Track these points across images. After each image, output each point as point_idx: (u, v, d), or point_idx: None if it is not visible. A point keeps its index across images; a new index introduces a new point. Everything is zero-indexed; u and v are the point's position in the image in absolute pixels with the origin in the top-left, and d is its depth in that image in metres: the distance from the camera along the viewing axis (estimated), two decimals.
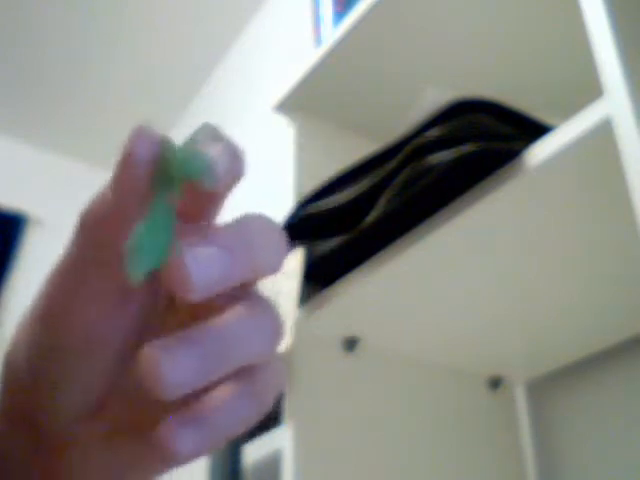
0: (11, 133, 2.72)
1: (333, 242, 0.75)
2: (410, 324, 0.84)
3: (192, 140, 0.21)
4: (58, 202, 2.73)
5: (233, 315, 0.21)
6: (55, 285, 0.23)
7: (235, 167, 0.21)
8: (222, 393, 0.22)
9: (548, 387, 0.96)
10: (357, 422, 0.83)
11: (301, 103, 0.99)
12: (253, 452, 1.44)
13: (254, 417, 0.22)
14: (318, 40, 1.05)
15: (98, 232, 0.22)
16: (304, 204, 0.80)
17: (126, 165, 0.20)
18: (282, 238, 0.22)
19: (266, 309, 0.22)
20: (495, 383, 0.97)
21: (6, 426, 0.25)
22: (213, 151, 0.20)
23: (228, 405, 0.22)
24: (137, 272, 0.19)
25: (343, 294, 0.76)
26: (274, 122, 1.89)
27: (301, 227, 0.79)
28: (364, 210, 0.73)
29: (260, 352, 0.22)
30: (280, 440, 0.81)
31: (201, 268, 0.20)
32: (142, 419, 0.25)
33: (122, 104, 2.58)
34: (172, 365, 0.20)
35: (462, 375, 0.95)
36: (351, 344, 0.87)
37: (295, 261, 0.77)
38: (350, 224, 0.75)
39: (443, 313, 0.82)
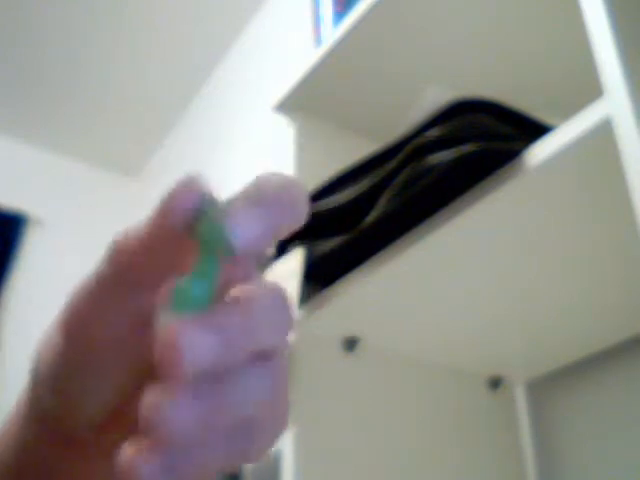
0: (11, 133, 2.72)
1: (333, 242, 0.75)
2: (410, 324, 0.84)
3: (224, 206, 0.21)
4: (58, 202, 2.73)
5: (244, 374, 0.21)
6: (82, 303, 0.23)
7: (267, 234, 0.21)
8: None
9: (548, 387, 0.96)
10: (357, 422, 0.83)
11: (301, 103, 0.99)
12: None
13: (232, 465, 0.21)
14: (318, 40, 1.05)
15: (128, 265, 0.22)
16: None
17: (164, 213, 0.21)
18: (289, 313, 0.22)
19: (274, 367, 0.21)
20: (495, 383, 0.97)
21: (34, 431, 0.25)
22: (240, 219, 0.20)
23: (209, 446, 0.20)
24: (174, 313, 0.20)
25: (343, 294, 0.76)
26: (274, 122, 1.89)
27: (301, 227, 0.79)
28: (364, 210, 0.73)
29: (264, 402, 0.21)
30: (280, 440, 0.81)
31: (192, 352, 0.19)
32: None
33: (122, 104, 2.58)
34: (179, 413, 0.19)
35: (462, 375, 0.95)
36: (351, 344, 0.87)
37: (295, 261, 0.77)
38: (350, 224, 0.75)
39: (443, 313, 0.82)
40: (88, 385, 0.24)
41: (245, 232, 0.20)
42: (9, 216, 2.52)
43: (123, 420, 0.25)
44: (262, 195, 0.21)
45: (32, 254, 2.57)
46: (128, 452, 0.20)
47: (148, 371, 0.25)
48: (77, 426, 0.25)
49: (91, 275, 0.23)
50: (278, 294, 0.21)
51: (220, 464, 0.21)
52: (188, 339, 0.19)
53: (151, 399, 0.19)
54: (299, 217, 0.21)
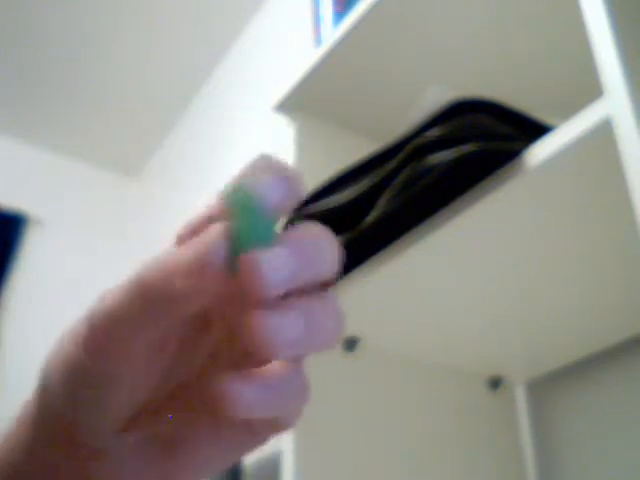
0: (11, 133, 2.72)
1: None
2: (410, 324, 0.84)
3: (242, 179, 0.23)
4: (58, 202, 2.73)
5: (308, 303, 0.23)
6: (109, 323, 0.23)
7: (287, 192, 0.23)
8: (277, 367, 0.23)
9: (548, 387, 0.96)
10: (357, 422, 0.83)
11: (301, 103, 0.99)
12: (253, 452, 1.44)
13: (298, 404, 0.24)
14: (318, 40, 1.05)
15: (157, 305, 0.22)
16: (304, 204, 0.80)
17: (198, 268, 0.22)
18: (336, 245, 0.24)
19: (331, 302, 0.24)
20: (495, 383, 0.97)
21: (42, 434, 0.25)
22: (262, 183, 0.22)
23: (286, 376, 0.23)
24: (242, 248, 0.21)
25: (343, 294, 0.76)
26: (274, 122, 1.89)
27: None
28: (364, 210, 0.73)
29: (324, 341, 0.23)
30: (280, 440, 0.81)
31: (274, 268, 0.21)
32: (172, 433, 0.26)
33: (122, 104, 2.58)
34: (280, 328, 0.22)
35: (462, 375, 0.95)
36: (351, 344, 0.87)
37: None
38: (350, 224, 0.75)
39: (443, 313, 0.82)
40: (108, 395, 0.24)
41: (268, 187, 0.22)
42: (9, 216, 2.52)
43: (135, 425, 0.26)
44: (274, 165, 0.23)
45: (32, 254, 2.57)
46: (225, 381, 0.22)
47: (172, 376, 0.26)
48: (88, 435, 0.25)
49: (114, 294, 0.23)
50: (327, 231, 0.24)
51: (294, 392, 0.23)
52: (268, 258, 0.21)
53: (258, 320, 0.21)
54: (301, 187, 0.24)
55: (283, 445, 0.78)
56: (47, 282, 2.55)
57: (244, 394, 0.22)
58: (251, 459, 1.45)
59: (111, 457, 0.25)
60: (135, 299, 0.22)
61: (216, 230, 0.22)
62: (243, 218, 0.22)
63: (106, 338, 0.23)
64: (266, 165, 0.23)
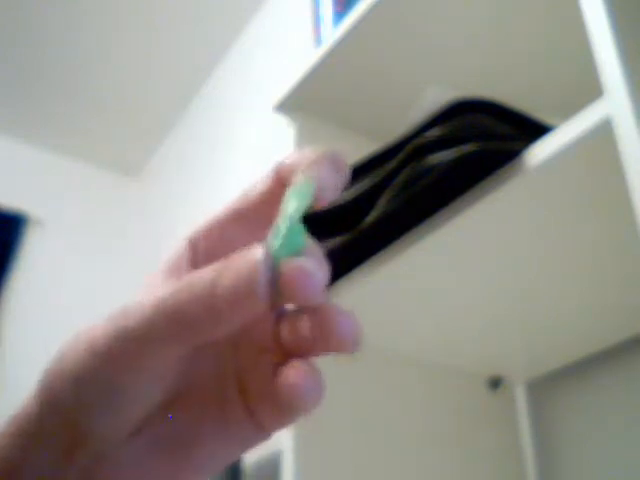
0: (11, 133, 2.71)
1: (333, 242, 0.75)
2: (410, 324, 0.84)
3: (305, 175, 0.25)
4: (58, 202, 2.73)
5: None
6: (129, 340, 0.23)
7: (338, 181, 0.26)
8: (303, 364, 0.25)
9: (548, 387, 0.96)
10: (357, 422, 0.83)
11: (301, 103, 0.98)
12: (253, 452, 1.44)
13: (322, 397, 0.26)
14: (318, 40, 1.05)
15: (190, 328, 0.22)
16: None
17: (244, 293, 0.22)
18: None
19: (342, 310, 0.26)
20: (495, 383, 0.97)
21: (42, 433, 0.25)
22: (320, 173, 0.25)
23: (317, 370, 0.25)
24: (281, 253, 0.23)
25: (343, 294, 0.76)
26: (274, 122, 1.89)
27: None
28: (364, 210, 0.73)
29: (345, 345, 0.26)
30: (280, 440, 0.81)
31: (317, 276, 0.23)
32: (177, 430, 0.26)
33: (122, 104, 2.58)
34: None
35: (462, 375, 0.95)
36: None
37: None
38: (350, 224, 0.75)
39: (443, 313, 0.81)
40: (120, 403, 0.24)
41: (323, 179, 0.25)
42: (9, 216, 2.52)
43: (142, 431, 0.25)
44: (329, 157, 0.26)
45: (32, 254, 2.57)
46: (297, 372, 0.24)
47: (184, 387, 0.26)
48: (96, 435, 0.24)
49: (142, 311, 0.23)
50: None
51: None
52: (311, 269, 0.23)
53: (337, 312, 0.24)
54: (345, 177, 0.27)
55: (283, 445, 0.78)
56: (47, 282, 2.55)
57: (309, 385, 0.24)
58: (251, 459, 1.45)
59: (113, 459, 0.25)
60: (162, 320, 0.22)
61: (258, 252, 0.22)
62: (299, 206, 0.24)
63: (129, 354, 0.23)
64: (327, 158, 0.26)
